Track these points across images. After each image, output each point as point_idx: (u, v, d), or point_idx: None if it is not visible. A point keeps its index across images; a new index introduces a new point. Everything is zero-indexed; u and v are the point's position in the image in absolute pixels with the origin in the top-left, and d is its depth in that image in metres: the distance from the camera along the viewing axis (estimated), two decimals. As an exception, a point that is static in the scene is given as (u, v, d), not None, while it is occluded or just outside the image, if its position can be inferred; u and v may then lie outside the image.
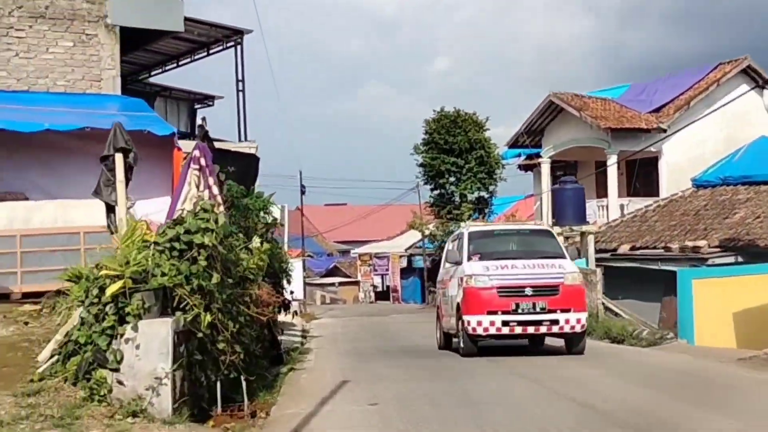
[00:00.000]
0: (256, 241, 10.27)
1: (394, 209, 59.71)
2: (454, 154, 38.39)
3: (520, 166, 39.10)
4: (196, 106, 21.96)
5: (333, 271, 59.80)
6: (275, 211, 34.24)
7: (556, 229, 23.06)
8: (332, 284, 56.77)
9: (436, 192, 40.39)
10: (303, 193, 38.10)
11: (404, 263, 50.76)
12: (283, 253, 14.19)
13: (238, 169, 12.37)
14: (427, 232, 42.20)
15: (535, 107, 33.86)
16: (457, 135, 38.27)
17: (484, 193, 39.71)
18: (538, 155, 35.74)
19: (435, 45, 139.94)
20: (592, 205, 31.22)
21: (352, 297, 55.46)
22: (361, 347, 17.66)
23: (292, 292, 15.33)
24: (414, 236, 49.92)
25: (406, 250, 50.04)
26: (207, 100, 21.31)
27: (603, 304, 20.00)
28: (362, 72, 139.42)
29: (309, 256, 62.55)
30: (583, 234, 22.96)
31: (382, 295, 52.84)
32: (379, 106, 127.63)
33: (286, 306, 14.43)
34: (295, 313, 17.37)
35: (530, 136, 34.78)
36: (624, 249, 23.61)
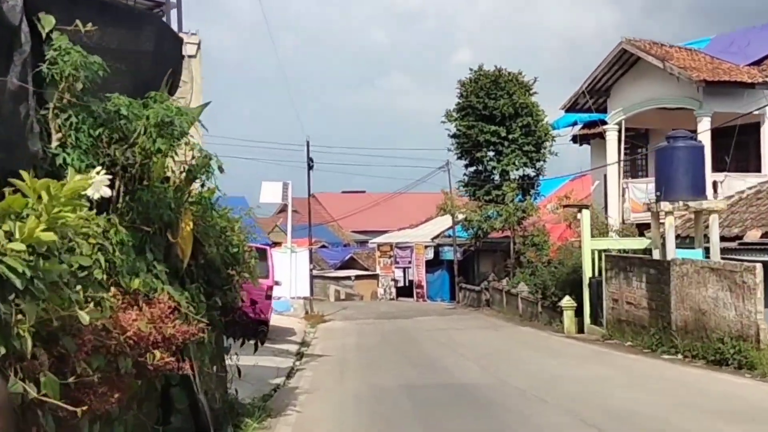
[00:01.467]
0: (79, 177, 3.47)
1: (418, 197, 53.68)
2: (495, 121, 31.42)
3: (574, 137, 32.00)
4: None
5: (349, 263, 52.96)
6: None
7: (663, 206, 16.19)
8: (348, 278, 49.85)
9: (472, 169, 33.46)
10: (311, 167, 31.39)
11: (430, 255, 43.73)
12: (236, 231, 7.36)
13: (123, 44, 5.63)
14: (460, 217, 35.24)
15: (603, 59, 26.84)
16: (498, 98, 31.28)
17: (530, 171, 32.70)
18: (601, 122, 28.72)
19: (458, 36, 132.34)
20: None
21: (370, 293, 48.56)
22: (382, 386, 10.93)
23: (254, 304, 8.44)
24: (442, 224, 43.10)
25: (432, 239, 43.08)
26: (157, 7, 14.38)
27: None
28: (384, 63, 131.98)
29: (322, 246, 56.61)
30: (698, 213, 16.05)
31: (404, 291, 45.87)
32: (400, 97, 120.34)
33: (243, 327, 7.69)
34: (261, 339, 10.32)
35: (593, 97, 27.79)
36: (753, 236, 16.56)
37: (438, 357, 15.19)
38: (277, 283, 21.35)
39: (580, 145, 32.53)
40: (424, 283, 44.09)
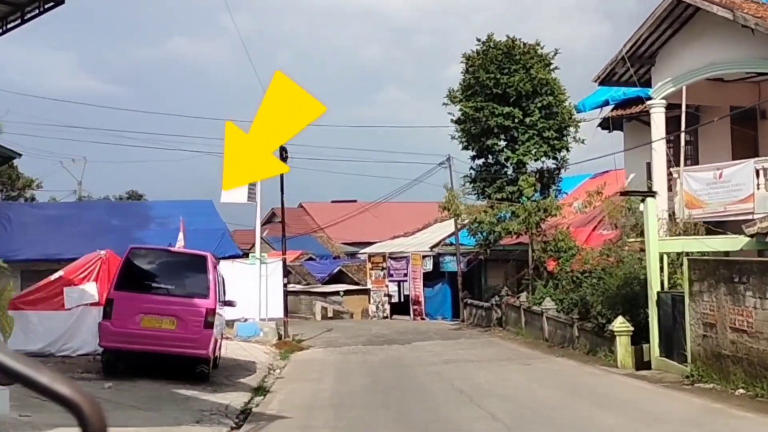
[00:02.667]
0: None
1: (414, 206, 49.00)
2: (509, 101, 25.80)
3: (604, 121, 26.38)
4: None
5: (338, 277, 47.11)
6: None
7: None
8: (336, 293, 43.98)
9: (480, 161, 27.84)
10: (284, 159, 25.59)
11: (429, 266, 37.93)
12: None
13: None
14: (465, 220, 29.52)
15: (649, 14, 21.29)
16: (513, 73, 25.66)
17: (550, 162, 27.07)
18: (642, 99, 23.18)
19: (452, 50, 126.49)
20: (747, 169, 19.10)
21: (361, 310, 42.72)
22: None
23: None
24: (442, 231, 37.50)
25: (431, 248, 37.30)
26: None
27: None
28: (379, 78, 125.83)
29: (309, 258, 52.27)
30: None
31: (400, 308, 39.96)
32: (395, 111, 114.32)
33: None
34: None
35: (633, 65, 22.20)
36: None
37: (460, 426, 9.44)
38: (228, 304, 15.65)
39: (611, 130, 26.92)
40: (422, 299, 38.31)
